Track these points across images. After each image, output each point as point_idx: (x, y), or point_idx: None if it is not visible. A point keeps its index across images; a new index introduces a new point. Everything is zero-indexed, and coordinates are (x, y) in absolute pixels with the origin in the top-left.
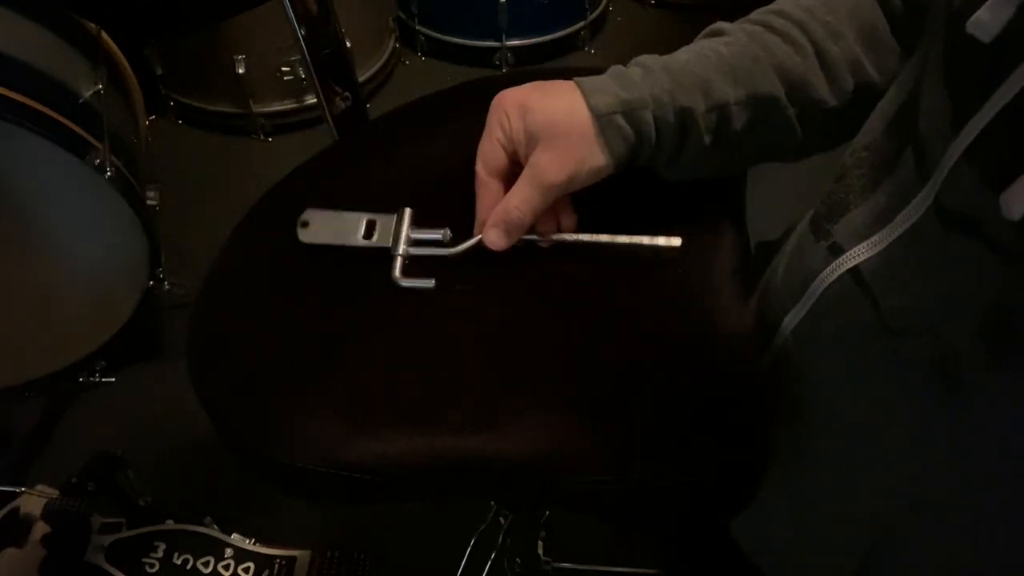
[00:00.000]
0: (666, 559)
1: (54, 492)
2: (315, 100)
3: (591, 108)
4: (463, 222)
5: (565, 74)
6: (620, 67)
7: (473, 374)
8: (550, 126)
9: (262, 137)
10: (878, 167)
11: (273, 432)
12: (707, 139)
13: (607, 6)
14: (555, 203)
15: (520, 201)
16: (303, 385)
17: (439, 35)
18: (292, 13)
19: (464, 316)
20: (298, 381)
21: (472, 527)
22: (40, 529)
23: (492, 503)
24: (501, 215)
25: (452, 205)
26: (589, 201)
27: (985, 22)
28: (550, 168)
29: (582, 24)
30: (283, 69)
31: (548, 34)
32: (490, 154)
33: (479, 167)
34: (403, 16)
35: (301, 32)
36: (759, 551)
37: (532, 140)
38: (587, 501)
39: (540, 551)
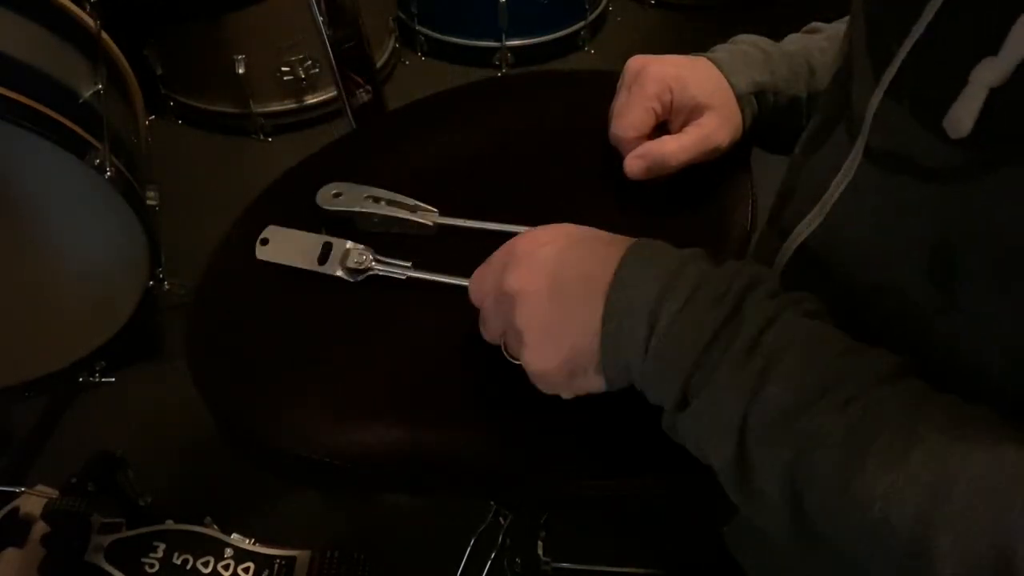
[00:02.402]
0: (666, 559)
1: (54, 492)
2: (315, 100)
3: (733, 86)
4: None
5: (565, 74)
6: (745, 47)
7: (461, 371)
8: (710, 100)
9: (262, 137)
10: (813, 145)
11: (263, 418)
12: (806, 119)
13: (607, 6)
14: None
15: (679, 148)
16: (295, 374)
17: (439, 35)
18: (315, 6)
19: (458, 314)
20: (290, 370)
21: (472, 527)
22: (40, 529)
23: (492, 503)
24: (654, 152)
25: (455, 204)
26: (591, 201)
27: None
28: (719, 132)
29: (582, 24)
30: (283, 69)
31: (548, 34)
32: (638, 120)
33: (622, 130)
34: (403, 16)
35: (325, 27)
36: (754, 566)
37: (697, 109)
38: (578, 502)
39: (540, 551)
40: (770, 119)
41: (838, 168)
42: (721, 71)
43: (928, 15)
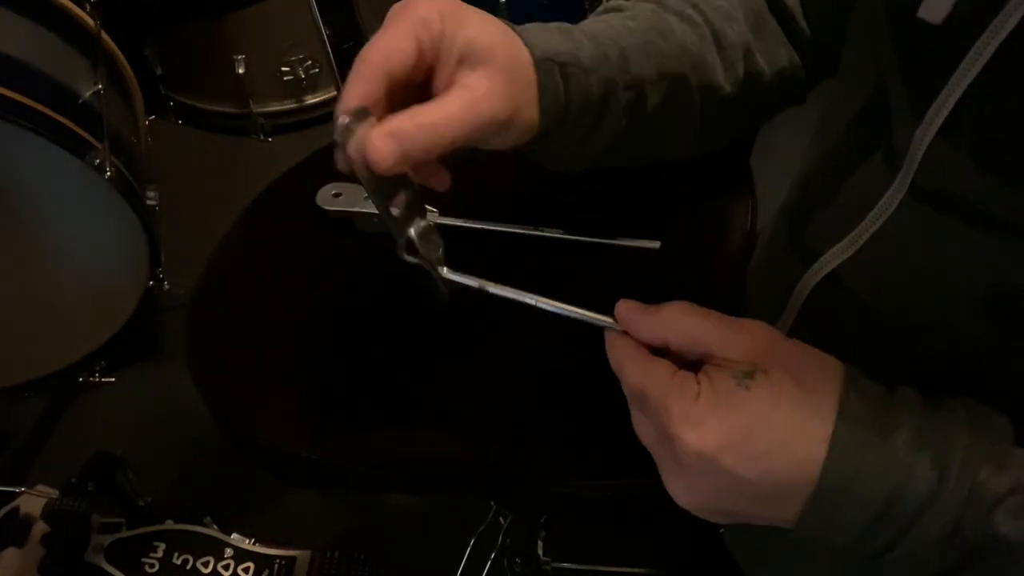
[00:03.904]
0: (666, 559)
1: (54, 492)
2: (315, 100)
3: (529, 46)
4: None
5: None
6: (540, 25)
7: (461, 371)
8: (490, 51)
9: (262, 137)
10: (842, 168)
11: (263, 418)
12: (623, 120)
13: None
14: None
15: (443, 120)
16: (295, 374)
17: None
18: (315, 6)
19: (450, 317)
20: (290, 370)
21: (472, 527)
22: (40, 529)
23: (492, 503)
24: (409, 127)
25: (452, 204)
26: (589, 201)
27: (936, 5)
28: (495, 99)
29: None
30: (283, 69)
31: None
32: (396, 47)
33: (373, 54)
34: None
35: (325, 27)
36: (754, 566)
37: (470, 58)
38: (578, 503)
39: (540, 551)
40: (578, 113)
41: (874, 198)
42: (515, 30)
43: (983, 55)
